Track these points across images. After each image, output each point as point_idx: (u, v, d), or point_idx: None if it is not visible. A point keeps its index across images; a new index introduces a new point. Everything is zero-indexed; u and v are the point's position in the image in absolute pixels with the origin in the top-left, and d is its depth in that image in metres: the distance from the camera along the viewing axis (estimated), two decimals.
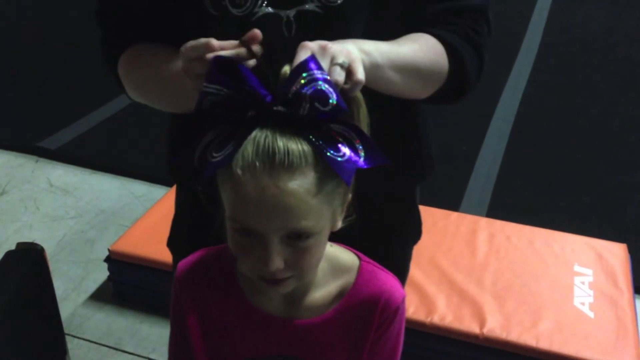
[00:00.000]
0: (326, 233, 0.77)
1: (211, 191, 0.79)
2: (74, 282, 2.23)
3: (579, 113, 3.33)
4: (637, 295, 1.97)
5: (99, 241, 2.43)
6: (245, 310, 0.86)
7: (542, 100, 3.46)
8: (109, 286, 2.17)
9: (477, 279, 1.93)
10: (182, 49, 0.74)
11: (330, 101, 0.67)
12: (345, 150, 0.69)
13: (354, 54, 0.73)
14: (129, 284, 2.10)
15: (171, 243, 1.13)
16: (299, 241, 0.72)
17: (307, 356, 0.88)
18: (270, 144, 0.68)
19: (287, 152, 0.68)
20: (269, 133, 0.69)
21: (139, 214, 2.45)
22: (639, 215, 2.53)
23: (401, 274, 1.09)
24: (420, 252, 2.03)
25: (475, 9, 0.93)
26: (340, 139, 0.69)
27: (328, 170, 0.70)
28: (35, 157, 3.02)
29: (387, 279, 0.88)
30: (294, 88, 0.67)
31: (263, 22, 0.84)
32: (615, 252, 2.06)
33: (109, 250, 2.06)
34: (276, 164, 0.67)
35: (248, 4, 0.84)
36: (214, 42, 0.71)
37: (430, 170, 1.07)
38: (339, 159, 0.69)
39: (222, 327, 0.88)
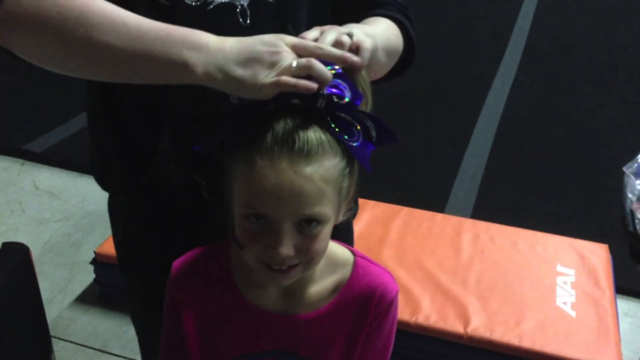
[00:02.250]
0: (332, 223, 0.78)
1: (214, 182, 0.80)
2: (60, 284, 2.23)
3: (562, 116, 3.37)
4: (618, 295, 2.00)
5: (84, 244, 2.43)
6: (240, 307, 0.87)
7: (527, 103, 3.49)
8: (95, 289, 2.17)
9: (462, 280, 1.95)
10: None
11: (346, 99, 0.71)
12: (359, 136, 0.73)
13: (359, 32, 0.76)
14: (115, 286, 2.10)
15: (124, 265, 1.07)
16: (309, 228, 0.74)
17: (303, 351, 0.89)
18: (290, 132, 0.70)
19: (306, 140, 0.70)
20: (288, 121, 0.71)
21: None
22: (620, 216, 2.56)
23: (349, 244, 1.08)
24: (406, 252, 2.06)
25: None
26: (355, 125, 0.73)
27: (341, 160, 0.73)
28: (21, 160, 3.01)
29: (381, 273, 0.90)
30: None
31: (218, 12, 0.84)
32: (597, 253, 2.09)
33: (95, 252, 2.06)
34: (295, 150, 0.70)
35: None
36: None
37: None
38: (354, 144, 0.72)
39: (217, 324, 0.89)
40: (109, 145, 0.96)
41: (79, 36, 0.71)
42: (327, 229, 0.77)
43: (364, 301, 0.86)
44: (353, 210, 1.12)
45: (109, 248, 2.04)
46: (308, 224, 0.74)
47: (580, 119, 3.34)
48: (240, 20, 0.86)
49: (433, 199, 2.61)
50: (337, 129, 0.72)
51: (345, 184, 0.76)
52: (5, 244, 1.00)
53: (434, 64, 3.49)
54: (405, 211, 2.27)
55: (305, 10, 0.91)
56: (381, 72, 0.90)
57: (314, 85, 0.69)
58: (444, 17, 4.33)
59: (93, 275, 2.16)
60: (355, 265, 0.88)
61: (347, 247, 0.90)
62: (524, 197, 2.72)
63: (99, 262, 2.06)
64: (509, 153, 3.03)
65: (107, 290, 2.13)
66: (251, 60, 0.71)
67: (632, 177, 1.23)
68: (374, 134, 0.74)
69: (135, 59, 0.72)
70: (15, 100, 3.49)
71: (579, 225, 2.47)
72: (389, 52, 0.89)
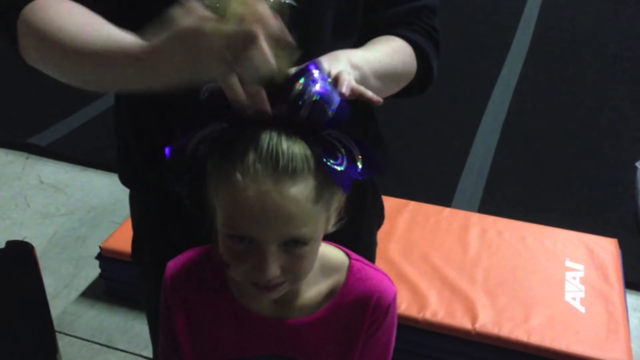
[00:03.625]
0: (321, 238, 0.76)
1: (197, 195, 0.78)
2: (65, 279, 2.22)
3: (570, 109, 3.34)
4: (627, 290, 1.98)
5: (90, 238, 2.42)
6: (234, 311, 0.86)
7: (534, 97, 3.46)
8: (101, 283, 2.17)
9: (469, 275, 1.93)
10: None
11: (334, 103, 0.67)
12: (344, 160, 0.68)
13: (341, 67, 0.73)
14: (120, 281, 2.09)
15: (135, 256, 1.09)
16: (296, 248, 0.71)
17: (298, 356, 0.87)
18: (274, 147, 0.66)
19: (291, 157, 0.66)
20: (272, 135, 0.67)
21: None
22: (629, 210, 2.54)
23: (370, 259, 1.09)
24: (413, 248, 2.05)
25: (431, 7, 0.97)
26: (339, 149, 0.69)
27: (327, 178, 0.69)
28: (25, 154, 3.00)
29: (378, 276, 0.88)
30: (296, 91, 0.66)
31: None
32: (606, 247, 2.07)
33: (100, 247, 2.05)
34: (279, 169, 0.66)
35: None
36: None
37: (384, 153, 1.07)
38: (338, 168, 0.68)
39: (210, 327, 0.88)
40: (127, 141, 0.98)
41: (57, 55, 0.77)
42: (315, 247, 0.75)
43: (360, 306, 0.84)
44: (379, 219, 1.12)
45: (115, 243, 2.03)
46: (295, 245, 0.71)
47: (588, 112, 3.31)
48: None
49: (440, 193, 2.59)
50: (319, 150, 0.67)
51: (333, 199, 0.73)
52: (9, 242, 0.99)
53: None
54: (412, 205, 2.25)
55: (330, 17, 0.88)
56: (381, 95, 0.86)
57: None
58: (449, 9, 4.30)
59: (98, 270, 2.15)
60: (350, 268, 0.86)
61: (343, 250, 0.88)
62: (531, 191, 2.69)
63: (104, 257, 2.06)
64: (516, 147, 3.01)
65: (112, 285, 2.12)
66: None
67: None
68: (359, 162, 0.69)
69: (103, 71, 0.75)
70: (20, 93, 3.47)
71: (587, 220, 2.45)
72: (384, 77, 0.85)
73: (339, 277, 0.86)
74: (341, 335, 0.86)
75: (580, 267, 1.98)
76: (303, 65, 0.68)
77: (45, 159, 2.96)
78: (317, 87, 0.66)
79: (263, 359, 0.88)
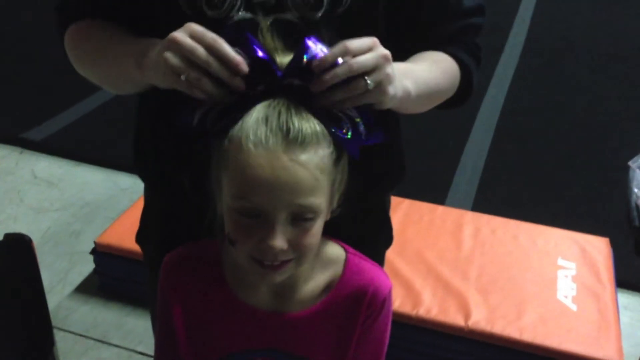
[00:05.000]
0: (324, 217, 0.77)
1: (199, 182, 0.79)
2: (59, 274, 2.22)
3: (563, 109, 3.36)
4: (618, 289, 1.99)
5: (84, 233, 2.42)
6: (231, 304, 0.86)
7: (527, 96, 3.48)
8: (95, 279, 2.17)
9: (463, 273, 1.94)
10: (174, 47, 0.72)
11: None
12: (350, 129, 0.72)
13: (391, 78, 0.75)
14: (114, 276, 2.09)
15: (140, 238, 1.11)
16: (302, 221, 0.73)
17: (295, 349, 0.88)
18: (285, 121, 0.69)
19: (301, 128, 0.69)
20: (282, 109, 0.70)
21: (125, 207, 2.44)
22: (621, 209, 2.56)
23: None
24: (407, 245, 2.06)
25: (477, 26, 1.00)
26: (344, 119, 0.72)
27: (334, 150, 0.72)
28: (19, 149, 2.99)
29: (374, 271, 0.89)
30: (304, 58, 0.69)
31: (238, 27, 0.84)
32: (598, 246, 2.09)
33: (94, 242, 2.06)
34: (290, 139, 0.69)
35: (225, 7, 0.83)
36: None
37: (402, 179, 1.08)
38: (346, 136, 0.72)
39: (207, 320, 0.88)
40: (143, 132, 1.02)
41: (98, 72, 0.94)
42: (320, 223, 0.76)
43: (356, 299, 0.86)
44: (388, 241, 1.13)
45: (109, 238, 2.03)
46: (302, 217, 0.73)
47: (581, 112, 3.33)
48: (261, 37, 0.85)
49: (434, 191, 2.60)
50: (327, 120, 0.71)
51: (338, 175, 0.75)
52: (7, 235, 0.99)
53: None
54: (406, 203, 2.26)
55: (337, 33, 0.89)
56: (415, 111, 0.90)
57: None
58: None
59: (92, 265, 2.15)
60: (347, 262, 0.87)
61: (339, 244, 0.89)
62: (525, 191, 2.71)
63: (98, 252, 2.06)
64: (509, 146, 3.02)
65: (106, 280, 2.13)
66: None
67: (637, 171, 1.22)
68: (362, 129, 0.73)
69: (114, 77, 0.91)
70: (14, 88, 3.46)
71: (579, 219, 2.47)
72: (427, 96, 0.89)
73: (336, 271, 0.87)
74: (337, 328, 0.88)
75: (572, 265, 2.00)
76: (300, 43, 0.71)
77: (39, 154, 2.95)
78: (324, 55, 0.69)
79: (260, 353, 0.89)
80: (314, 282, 0.86)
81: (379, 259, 1.10)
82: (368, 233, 1.01)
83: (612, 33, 4.25)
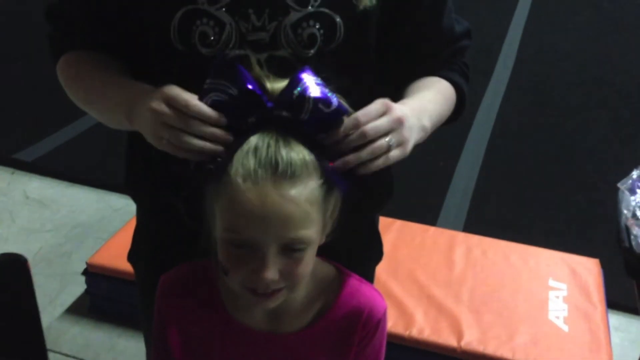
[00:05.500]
0: (317, 245, 0.78)
1: (194, 207, 0.79)
2: (50, 295, 2.21)
3: (552, 131, 3.40)
4: (609, 310, 2.01)
5: (75, 254, 2.41)
6: (227, 325, 0.87)
7: (517, 119, 3.52)
8: (86, 300, 2.16)
9: (455, 293, 1.95)
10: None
11: (333, 103, 0.70)
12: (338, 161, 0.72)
13: (408, 138, 0.79)
14: (106, 297, 2.08)
15: (131, 257, 1.12)
16: (294, 252, 0.73)
17: None
18: (273, 154, 0.69)
19: (290, 162, 0.70)
20: (271, 142, 0.70)
21: (117, 227, 2.43)
22: (611, 231, 2.57)
23: None
24: (399, 266, 2.06)
25: (466, 48, 1.03)
26: (335, 150, 0.72)
27: (324, 181, 0.72)
28: (11, 169, 2.98)
29: (369, 292, 0.90)
30: (296, 92, 0.70)
31: None
32: (588, 267, 2.11)
33: (86, 263, 2.05)
34: (279, 173, 0.69)
35: (219, 45, 0.84)
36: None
37: (390, 197, 1.09)
38: (334, 170, 0.72)
39: (203, 340, 0.89)
40: (134, 153, 1.03)
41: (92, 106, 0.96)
42: (312, 252, 0.77)
43: (351, 320, 0.86)
44: (377, 257, 1.14)
45: (101, 259, 2.03)
46: (293, 248, 0.73)
47: (571, 134, 3.37)
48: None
49: (425, 212, 2.62)
50: (319, 154, 0.71)
51: (330, 204, 0.75)
52: (2, 255, 0.99)
53: None
54: (398, 224, 2.27)
55: (330, 67, 0.88)
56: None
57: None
58: None
59: (84, 286, 2.14)
60: (342, 284, 0.88)
61: (334, 265, 0.90)
62: (515, 212, 2.73)
63: (90, 272, 2.05)
64: (499, 168, 3.05)
65: (97, 301, 2.12)
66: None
67: (626, 193, 1.24)
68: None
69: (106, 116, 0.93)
70: (6, 108, 3.46)
71: (569, 240, 2.49)
72: (437, 124, 0.93)
73: (331, 292, 0.87)
74: (333, 349, 0.88)
75: (564, 286, 2.01)
76: (294, 76, 0.72)
77: (31, 175, 2.95)
78: (315, 92, 0.70)
79: None
80: (310, 303, 0.87)
81: (369, 275, 1.11)
82: (357, 249, 1.01)
83: (599, 56, 4.31)
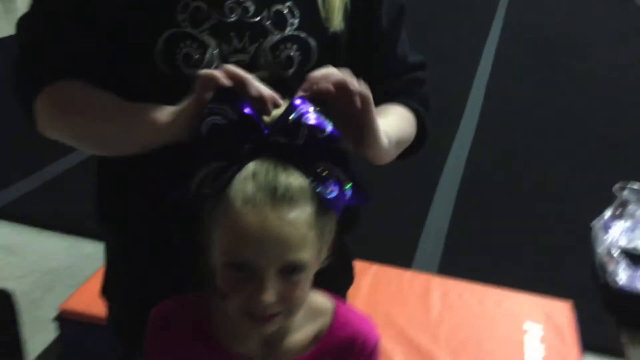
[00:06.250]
0: (314, 270, 0.79)
1: (190, 236, 0.80)
2: None
3: (520, 175, 3.50)
4: (584, 352, 2.03)
5: (45, 301, 2.35)
6: (222, 356, 0.86)
7: (487, 163, 3.62)
8: (56, 348, 2.09)
9: (433, 336, 1.96)
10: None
11: (327, 129, 0.73)
12: (335, 188, 0.74)
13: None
14: (80, 344, 2.02)
15: (106, 291, 1.11)
16: (292, 275, 0.74)
17: None
18: (272, 179, 0.71)
19: (288, 187, 0.71)
20: (269, 168, 0.72)
21: (89, 273, 2.38)
22: (583, 272, 2.62)
23: None
24: (376, 309, 2.06)
25: (422, 80, 1.08)
26: (330, 177, 0.74)
27: (322, 205, 0.74)
28: None
29: (361, 321, 0.91)
30: (291, 118, 0.72)
31: None
32: (562, 310, 2.13)
33: (59, 308, 2.00)
34: (277, 197, 0.71)
35: (202, 65, 0.87)
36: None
37: (357, 220, 1.11)
38: (329, 195, 0.73)
39: None
40: (107, 186, 1.02)
41: (91, 134, 0.91)
42: (309, 276, 0.78)
43: (344, 349, 0.87)
44: (348, 282, 1.15)
45: (74, 304, 1.99)
46: (291, 271, 0.74)
47: (538, 180, 3.46)
48: None
49: (400, 255, 2.64)
50: (312, 179, 0.73)
51: (326, 228, 0.77)
52: None
53: None
54: (374, 268, 2.28)
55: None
56: (386, 160, 0.94)
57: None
58: None
59: (54, 334, 2.08)
60: (335, 313, 0.88)
61: (327, 295, 0.91)
62: (488, 254, 2.77)
63: (63, 318, 2.00)
64: (471, 214, 3.10)
65: (71, 348, 2.05)
66: None
67: (600, 232, 1.29)
68: (348, 189, 0.76)
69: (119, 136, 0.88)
70: None
71: (543, 282, 2.52)
72: (400, 144, 0.95)
73: (325, 321, 0.88)
74: None
75: (539, 327, 2.03)
76: (289, 103, 0.74)
77: None
78: (310, 119, 0.73)
79: None
80: (303, 332, 0.87)
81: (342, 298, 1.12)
82: (327, 273, 1.02)
83: (560, 107, 4.49)
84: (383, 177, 3.35)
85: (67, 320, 2.00)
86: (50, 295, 2.38)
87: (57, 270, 2.55)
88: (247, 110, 0.73)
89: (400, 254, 2.66)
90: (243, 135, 0.73)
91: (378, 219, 2.94)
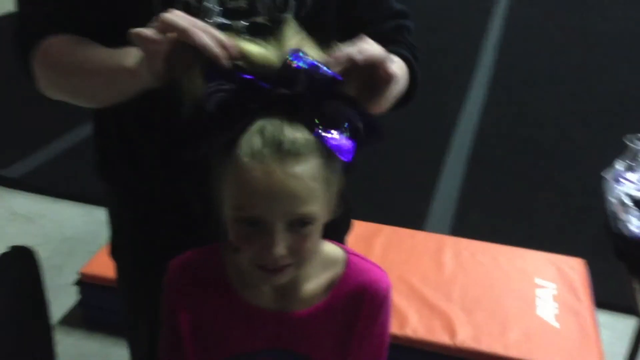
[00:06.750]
0: (322, 222, 0.80)
1: (202, 192, 0.82)
2: None
3: (531, 141, 3.48)
4: (597, 309, 2.04)
5: (65, 267, 2.40)
6: (236, 306, 0.89)
7: (497, 129, 3.60)
8: (78, 311, 2.15)
9: (446, 294, 1.98)
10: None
11: (324, 70, 0.73)
12: (344, 132, 0.73)
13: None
14: (99, 307, 2.08)
15: (114, 251, 1.13)
16: (301, 228, 0.76)
17: (298, 348, 0.90)
18: (277, 134, 0.72)
19: (294, 141, 0.72)
20: (275, 123, 0.72)
21: (105, 240, 2.41)
22: (595, 233, 2.64)
23: None
24: (389, 269, 2.05)
25: (409, 27, 1.08)
26: (339, 121, 0.73)
27: (328, 157, 0.74)
28: None
29: (373, 270, 0.92)
30: (286, 65, 0.72)
31: None
32: (575, 267, 2.15)
33: (80, 273, 2.05)
34: (283, 151, 0.71)
35: (200, 15, 0.87)
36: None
37: (355, 167, 1.12)
38: (338, 141, 0.73)
39: (213, 323, 0.90)
40: (111, 142, 1.04)
41: (81, 86, 0.92)
42: (318, 228, 0.79)
43: (357, 297, 0.88)
44: (346, 227, 1.16)
45: (94, 268, 2.03)
46: (300, 224, 0.75)
47: (548, 142, 3.46)
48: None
49: (413, 218, 2.66)
50: (321, 126, 0.73)
51: (333, 180, 0.78)
52: (13, 247, 1.01)
53: None
54: (387, 230, 2.30)
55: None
56: (384, 108, 0.93)
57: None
58: None
59: (75, 298, 2.13)
60: (348, 262, 0.90)
61: (340, 246, 0.92)
62: (499, 216, 2.78)
63: (83, 282, 2.04)
64: (482, 175, 3.11)
65: (91, 311, 2.11)
66: None
67: (612, 181, 1.30)
68: (361, 130, 0.74)
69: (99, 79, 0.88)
70: None
71: (556, 243, 2.53)
72: (397, 95, 0.93)
73: (337, 271, 0.90)
74: (339, 327, 0.90)
75: (552, 285, 2.05)
76: (286, 57, 0.74)
77: (16, 191, 2.93)
78: (306, 63, 0.73)
79: (264, 353, 0.91)
80: (316, 281, 0.89)
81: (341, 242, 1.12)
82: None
83: (571, 70, 4.45)
84: (395, 140, 3.38)
85: (87, 284, 2.05)
86: (69, 261, 2.43)
87: (75, 237, 2.60)
88: (242, 75, 0.73)
89: (412, 217, 2.68)
90: (246, 98, 0.73)
91: (390, 183, 2.96)
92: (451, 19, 5.11)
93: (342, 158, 0.74)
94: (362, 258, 0.93)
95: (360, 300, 0.89)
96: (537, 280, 2.07)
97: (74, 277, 2.11)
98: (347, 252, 0.92)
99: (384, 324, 0.92)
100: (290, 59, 0.73)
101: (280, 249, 0.75)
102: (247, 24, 0.90)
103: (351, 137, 0.74)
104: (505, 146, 3.41)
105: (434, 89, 3.93)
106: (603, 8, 5.82)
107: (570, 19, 5.49)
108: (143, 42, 0.74)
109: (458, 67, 4.33)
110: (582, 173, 3.09)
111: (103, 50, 0.88)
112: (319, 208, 0.76)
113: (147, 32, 0.74)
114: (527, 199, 2.92)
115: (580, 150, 3.36)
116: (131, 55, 0.81)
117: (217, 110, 0.73)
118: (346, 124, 0.73)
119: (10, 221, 2.72)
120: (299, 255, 0.78)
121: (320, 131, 0.73)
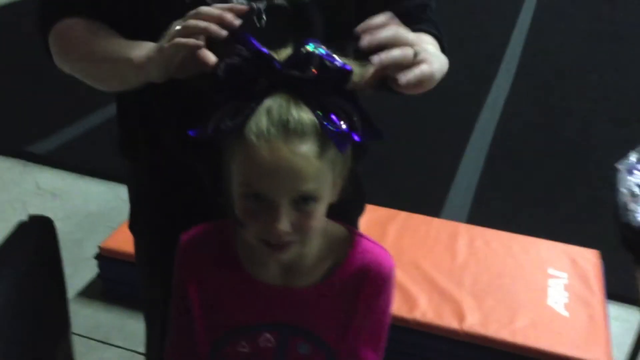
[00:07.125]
0: (327, 201, 0.83)
1: (214, 169, 0.85)
2: None
3: (554, 132, 3.46)
4: (608, 301, 2.05)
5: (87, 241, 2.46)
6: (243, 280, 0.92)
7: (519, 119, 3.58)
8: (97, 284, 2.21)
9: (457, 280, 2.00)
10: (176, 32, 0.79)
11: (336, 62, 0.75)
12: (342, 124, 0.76)
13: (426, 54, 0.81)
14: (118, 280, 2.14)
15: (134, 226, 1.17)
16: (305, 205, 0.79)
17: (302, 323, 0.93)
18: (284, 114, 0.75)
19: (300, 120, 0.75)
20: (282, 102, 0.75)
21: (126, 216, 2.47)
22: (610, 225, 2.61)
23: None
24: (403, 254, 2.11)
25: (432, 6, 1.08)
26: (339, 113, 0.76)
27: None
28: (23, 161, 3.05)
29: (377, 250, 0.95)
30: (301, 52, 0.75)
31: None
32: (588, 258, 2.15)
33: (99, 247, 2.10)
34: (290, 131, 0.75)
35: None
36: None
37: (365, 152, 1.13)
38: (336, 129, 0.76)
39: (221, 297, 0.93)
40: (133, 122, 1.07)
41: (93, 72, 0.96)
42: (322, 207, 0.82)
43: (361, 276, 0.91)
44: (359, 209, 1.18)
45: (114, 243, 2.09)
46: (304, 202, 0.78)
47: (571, 134, 3.43)
48: (256, 21, 0.92)
49: (429, 205, 2.67)
50: (321, 114, 0.75)
51: (338, 161, 0.80)
52: (31, 216, 1.05)
53: None
54: (402, 215, 2.32)
55: (323, 22, 0.96)
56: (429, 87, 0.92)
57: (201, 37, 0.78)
58: None
59: (95, 271, 2.19)
60: (353, 242, 0.93)
61: (346, 226, 0.95)
62: (517, 207, 2.78)
63: (103, 256, 2.10)
64: (502, 165, 3.10)
65: (110, 285, 2.17)
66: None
67: (625, 172, 1.30)
68: (359, 127, 0.77)
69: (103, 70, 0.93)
70: (19, 102, 3.53)
71: (571, 234, 2.53)
72: (443, 73, 0.93)
73: (342, 250, 0.92)
74: (342, 305, 0.93)
75: (564, 275, 2.06)
76: (299, 42, 0.77)
77: (42, 167, 3.01)
78: (320, 52, 0.75)
79: (268, 327, 0.94)
80: (322, 260, 0.92)
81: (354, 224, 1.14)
82: (340, 203, 1.01)
83: (600, 63, 4.39)
84: (416, 127, 3.39)
85: (106, 258, 2.10)
86: (91, 236, 2.49)
87: (98, 213, 2.66)
88: (260, 49, 0.76)
89: (430, 204, 2.69)
90: (257, 72, 0.76)
91: (410, 169, 2.98)
92: (482, 8, 5.07)
93: (338, 148, 0.77)
94: (368, 239, 0.95)
95: (363, 279, 0.91)
96: (550, 271, 2.07)
97: (95, 251, 2.17)
98: (353, 232, 0.95)
99: (385, 304, 0.95)
100: (305, 45, 0.76)
101: (284, 224, 0.78)
102: (265, 6, 0.92)
103: (349, 130, 0.76)
104: (527, 135, 3.39)
105: (460, 76, 3.92)
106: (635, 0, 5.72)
107: (600, 10, 5.40)
108: (178, 47, 0.77)
109: (484, 56, 4.30)
110: (603, 165, 3.06)
111: (115, 41, 0.91)
112: (322, 187, 0.79)
113: (191, 41, 0.77)
114: (546, 190, 2.92)
115: (602, 142, 3.34)
116: (141, 49, 0.84)
117: (227, 76, 0.77)
118: (345, 118, 0.76)
119: (36, 196, 2.80)
120: (302, 232, 0.81)
121: (321, 118, 0.76)
